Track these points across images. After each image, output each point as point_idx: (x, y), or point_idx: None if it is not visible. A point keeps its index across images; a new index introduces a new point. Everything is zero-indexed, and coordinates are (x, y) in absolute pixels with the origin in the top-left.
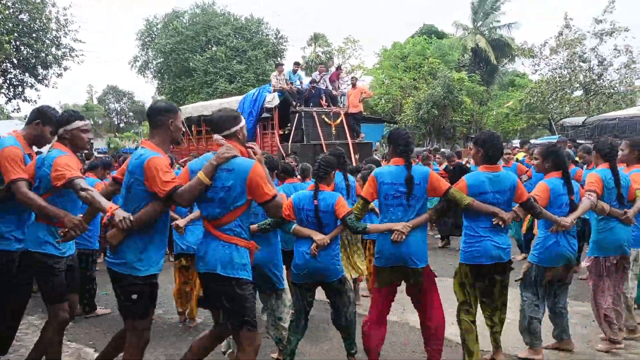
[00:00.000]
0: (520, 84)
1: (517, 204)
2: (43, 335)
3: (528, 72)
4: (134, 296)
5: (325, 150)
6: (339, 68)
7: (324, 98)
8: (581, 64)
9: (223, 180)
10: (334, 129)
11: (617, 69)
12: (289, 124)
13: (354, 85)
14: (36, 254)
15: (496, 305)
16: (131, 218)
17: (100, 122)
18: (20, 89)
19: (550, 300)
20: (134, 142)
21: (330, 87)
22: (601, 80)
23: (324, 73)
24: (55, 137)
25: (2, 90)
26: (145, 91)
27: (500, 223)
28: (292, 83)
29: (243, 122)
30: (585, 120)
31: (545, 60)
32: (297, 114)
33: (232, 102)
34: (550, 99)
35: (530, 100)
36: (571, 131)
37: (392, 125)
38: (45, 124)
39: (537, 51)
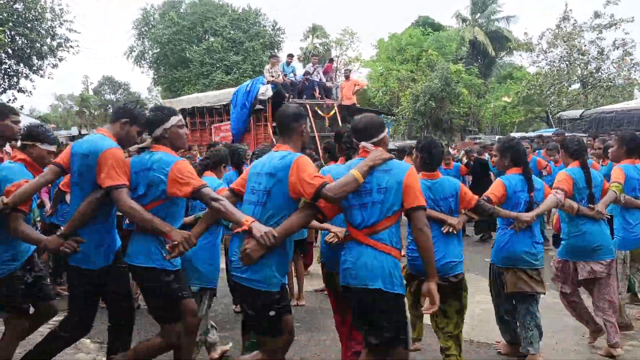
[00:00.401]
0: (517, 77)
1: (465, 210)
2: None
3: (526, 65)
4: (272, 313)
5: (318, 142)
6: (331, 60)
7: (317, 90)
8: (580, 56)
9: (379, 181)
10: (327, 121)
11: (614, 62)
12: None
13: (347, 77)
14: (146, 268)
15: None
16: (274, 233)
17: (95, 113)
18: (15, 79)
19: (510, 305)
20: None
21: (324, 79)
22: (599, 73)
23: (317, 65)
24: (150, 139)
25: None
26: (141, 82)
27: (451, 230)
28: (285, 75)
29: (386, 129)
30: (582, 113)
31: (543, 53)
32: None
33: (225, 94)
34: (548, 92)
35: (527, 93)
36: (569, 124)
37: (389, 117)
38: (134, 124)
39: (535, 43)
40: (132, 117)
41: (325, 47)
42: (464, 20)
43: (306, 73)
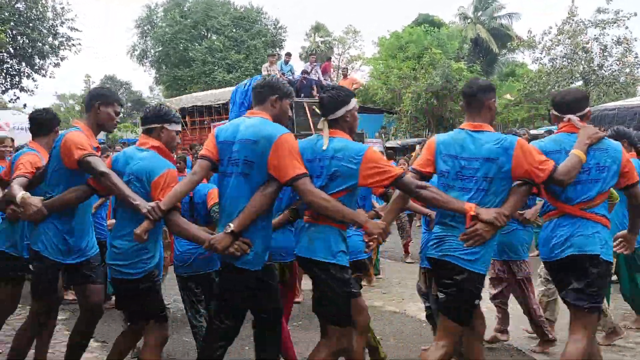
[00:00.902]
0: (520, 74)
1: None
2: None
3: (528, 62)
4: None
5: None
6: (329, 59)
7: (315, 89)
8: (583, 54)
9: (598, 159)
10: None
11: (617, 59)
12: None
13: (345, 76)
14: (327, 264)
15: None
16: (505, 212)
17: None
18: (17, 78)
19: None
20: (131, 133)
21: (321, 78)
22: (602, 71)
23: (315, 64)
24: (323, 121)
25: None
26: (143, 81)
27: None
28: (284, 73)
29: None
30: None
31: (546, 50)
32: None
33: (225, 93)
34: (551, 89)
35: (530, 90)
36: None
37: (391, 115)
38: (284, 98)
39: (538, 41)
40: (281, 91)
41: (328, 46)
42: (465, 17)
43: (304, 72)
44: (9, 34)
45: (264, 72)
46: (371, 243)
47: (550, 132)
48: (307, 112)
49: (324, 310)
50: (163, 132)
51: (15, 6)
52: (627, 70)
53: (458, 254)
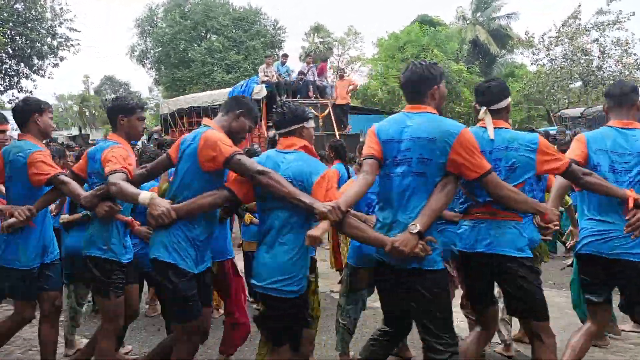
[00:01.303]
0: (519, 75)
1: None
2: None
3: (527, 63)
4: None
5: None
6: (325, 60)
7: (311, 90)
8: (582, 56)
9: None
10: (320, 120)
11: (617, 61)
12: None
13: (341, 77)
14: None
15: None
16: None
17: (96, 113)
18: (15, 79)
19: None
20: None
21: (317, 79)
22: (602, 72)
23: (311, 65)
24: (484, 109)
25: None
26: (142, 81)
27: None
28: (280, 74)
29: None
30: (583, 111)
31: (545, 51)
32: None
33: (221, 94)
34: (551, 90)
35: (529, 91)
36: (570, 122)
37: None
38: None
39: (537, 42)
40: (439, 77)
41: (327, 46)
42: (464, 18)
43: (300, 73)
44: (8, 35)
45: (261, 74)
46: (549, 228)
47: (547, 132)
48: None
49: (521, 306)
50: (304, 131)
51: (14, 7)
52: (627, 72)
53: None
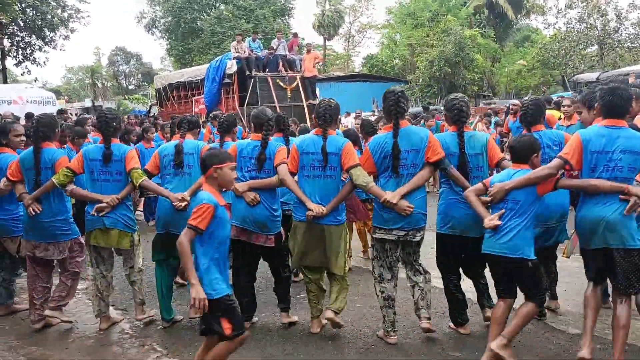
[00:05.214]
0: (535, 40)
1: None
2: None
3: (541, 27)
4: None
5: (278, 112)
6: (295, 35)
7: (281, 64)
8: (599, 17)
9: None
10: (289, 92)
11: (633, 24)
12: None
13: (308, 51)
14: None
15: None
16: None
17: (108, 84)
18: (28, 51)
19: None
20: (142, 105)
21: (287, 54)
22: (618, 34)
23: (281, 40)
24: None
25: (12, 53)
26: (154, 52)
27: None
28: (252, 50)
29: None
30: (599, 76)
31: (561, 13)
32: (253, 79)
33: (202, 69)
34: (565, 54)
35: (544, 57)
36: (585, 87)
37: (402, 83)
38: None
39: (552, 4)
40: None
41: (339, 14)
42: None
43: (270, 48)
44: (19, 7)
45: (232, 50)
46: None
47: (560, 98)
48: (271, 86)
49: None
50: None
51: None
52: None
53: None
